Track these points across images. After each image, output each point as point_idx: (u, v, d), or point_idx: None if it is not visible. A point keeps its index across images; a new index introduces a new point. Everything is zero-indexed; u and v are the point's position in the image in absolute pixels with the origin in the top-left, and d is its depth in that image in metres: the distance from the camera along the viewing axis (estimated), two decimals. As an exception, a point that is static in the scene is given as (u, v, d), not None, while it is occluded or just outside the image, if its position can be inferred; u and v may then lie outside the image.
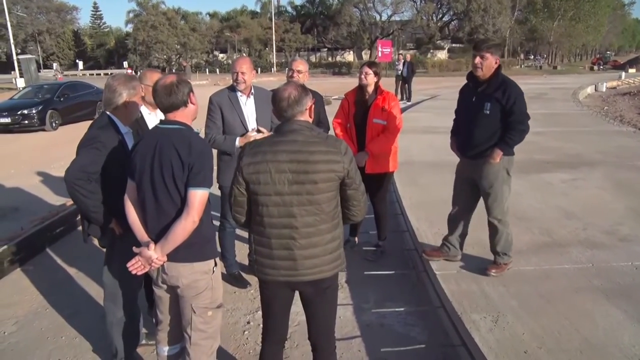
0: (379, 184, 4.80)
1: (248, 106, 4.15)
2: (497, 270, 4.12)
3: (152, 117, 3.57)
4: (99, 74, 53.16)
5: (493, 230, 4.09)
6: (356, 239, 5.25)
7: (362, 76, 4.59)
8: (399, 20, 65.20)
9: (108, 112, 3.01)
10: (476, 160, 3.97)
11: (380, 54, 30.92)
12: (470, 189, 4.15)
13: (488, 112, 3.83)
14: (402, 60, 20.97)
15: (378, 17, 64.89)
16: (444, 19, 66.41)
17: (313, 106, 2.52)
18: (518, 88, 3.84)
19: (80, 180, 2.79)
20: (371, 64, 4.68)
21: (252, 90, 4.17)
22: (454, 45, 69.04)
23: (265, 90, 4.28)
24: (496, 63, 3.84)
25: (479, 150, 3.93)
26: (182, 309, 2.65)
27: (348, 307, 4.11)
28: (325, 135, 2.50)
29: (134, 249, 2.55)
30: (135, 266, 2.55)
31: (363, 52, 67.11)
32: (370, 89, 4.62)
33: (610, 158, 8.72)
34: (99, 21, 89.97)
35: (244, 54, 59.18)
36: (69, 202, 6.59)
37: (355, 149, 4.63)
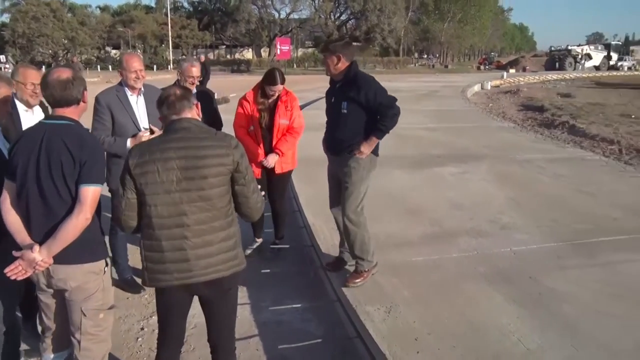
0: (281, 183, 4.81)
1: (139, 105, 3.96)
2: (358, 279, 3.95)
3: (29, 115, 3.30)
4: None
5: (346, 231, 3.91)
6: (260, 239, 5.16)
7: (272, 93, 4.45)
8: (298, 18, 65.96)
9: None
10: (340, 155, 3.90)
11: (279, 52, 31.07)
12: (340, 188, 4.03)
13: (345, 111, 3.76)
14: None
15: (277, 15, 65.25)
16: (341, 17, 68.09)
17: (199, 104, 2.47)
18: (371, 80, 3.78)
19: None
20: (283, 81, 4.47)
21: (142, 89, 3.99)
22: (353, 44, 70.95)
23: (156, 89, 4.09)
24: (339, 60, 3.72)
25: (341, 148, 3.86)
26: (71, 313, 2.50)
27: (245, 306, 4.05)
28: (215, 131, 2.49)
29: (14, 252, 2.35)
30: (15, 271, 2.34)
31: (262, 50, 67.03)
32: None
33: (494, 152, 9.36)
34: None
35: (139, 51, 56.64)
36: None
37: (263, 151, 4.57)
